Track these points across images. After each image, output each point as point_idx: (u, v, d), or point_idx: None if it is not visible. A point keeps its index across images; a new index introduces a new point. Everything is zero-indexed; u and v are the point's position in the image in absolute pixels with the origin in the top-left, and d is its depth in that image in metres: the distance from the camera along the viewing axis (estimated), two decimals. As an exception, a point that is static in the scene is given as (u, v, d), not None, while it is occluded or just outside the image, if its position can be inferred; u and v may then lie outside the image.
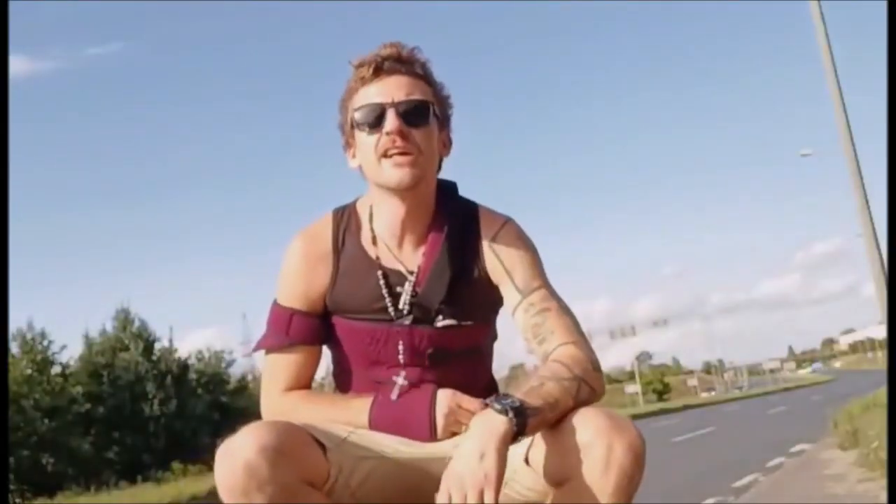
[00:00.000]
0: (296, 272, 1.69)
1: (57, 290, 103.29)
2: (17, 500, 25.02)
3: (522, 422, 1.39)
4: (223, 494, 1.39)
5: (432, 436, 1.57)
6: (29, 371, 28.40)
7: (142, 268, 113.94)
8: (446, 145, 1.71)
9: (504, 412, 1.39)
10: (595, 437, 1.37)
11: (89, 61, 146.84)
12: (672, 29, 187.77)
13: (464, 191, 1.77)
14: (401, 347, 1.64)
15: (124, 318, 33.36)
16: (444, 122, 1.68)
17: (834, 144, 16.11)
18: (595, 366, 1.55)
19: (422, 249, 1.66)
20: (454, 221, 1.68)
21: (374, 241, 1.67)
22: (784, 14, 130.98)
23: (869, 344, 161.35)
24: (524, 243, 1.68)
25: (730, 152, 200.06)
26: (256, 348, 1.74)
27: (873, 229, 14.97)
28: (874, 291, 15.26)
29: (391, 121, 1.57)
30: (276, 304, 1.71)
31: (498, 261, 1.65)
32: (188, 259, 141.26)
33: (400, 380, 1.64)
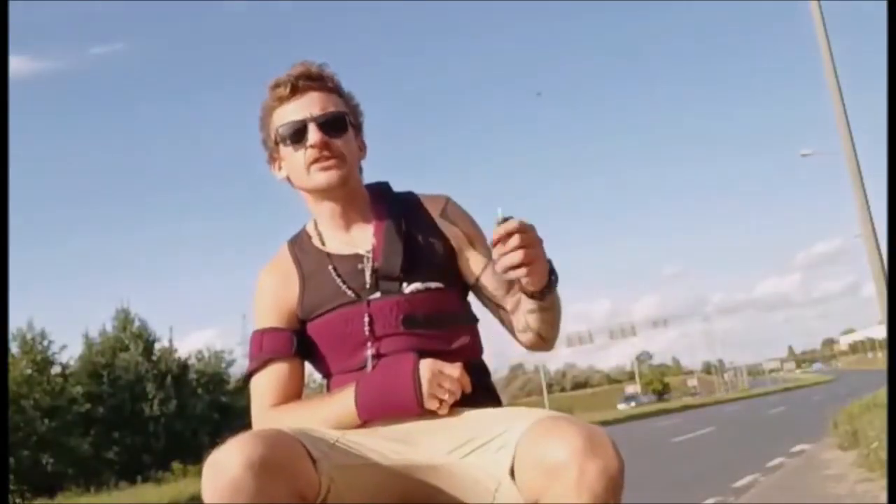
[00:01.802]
0: (263, 297, 1.78)
1: (57, 290, 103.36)
2: (17, 501, 25.03)
3: (553, 280, 1.58)
4: None
5: (419, 405, 1.56)
6: (29, 371, 28.43)
7: (142, 268, 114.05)
8: (361, 149, 1.83)
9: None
10: (569, 459, 1.34)
11: (92, 61, 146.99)
12: (672, 28, 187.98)
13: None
14: (366, 320, 1.67)
15: (124, 318, 33.39)
16: (358, 129, 1.81)
17: (834, 144, 16.14)
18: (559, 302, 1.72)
19: (371, 230, 1.75)
20: (396, 204, 1.79)
21: (323, 242, 1.78)
22: (784, 14, 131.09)
23: (869, 344, 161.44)
24: (471, 216, 1.82)
25: (729, 152, 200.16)
26: (243, 380, 1.79)
27: (873, 229, 14.99)
28: (874, 291, 15.28)
29: (313, 134, 1.71)
30: (252, 333, 1.78)
31: (457, 231, 1.77)
32: (188, 259, 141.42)
33: (369, 352, 1.66)
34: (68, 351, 31.78)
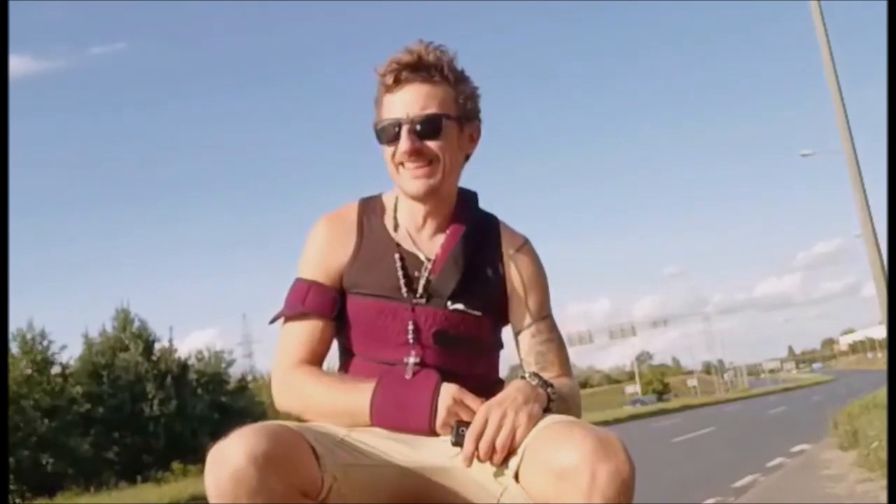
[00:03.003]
0: (317, 248, 1.74)
1: (57, 290, 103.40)
2: (17, 501, 25.02)
3: (552, 395, 1.56)
4: (212, 501, 1.37)
5: (431, 427, 1.54)
6: (29, 371, 28.42)
7: (142, 268, 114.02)
8: (472, 139, 1.77)
9: (543, 386, 1.56)
10: (579, 463, 1.33)
11: (93, 61, 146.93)
12: (673, 28, 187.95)
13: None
14: (410, 327, 1.66)
15: (124, 318, 33.39)
16: (468, 118, 1.74)
17: (834, 144, 16.14)
18: (580, 398, 1.74)
19: (440, 241, 1.73)
20: (474, 224, 1.76)
21: (396, 228, 1.74)
22: (784, 14, 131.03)
23: (869, 344, 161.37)
24: (541, 268, 1.80)
25: (730, 152, 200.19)
26: (273, 319, 1.74)
27: (873, 229, 14.98)
28: (874, 291, 15.27)
29: (405, 139, 1.66)
30: (296, 280, 1.75)
31: (518, 275, 1.75)
32: (188, 259, 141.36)
33: (411, 360, 1.64)
34: (68, 351, 31.80)
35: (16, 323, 29.25)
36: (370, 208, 1.78)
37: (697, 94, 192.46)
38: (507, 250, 1.76)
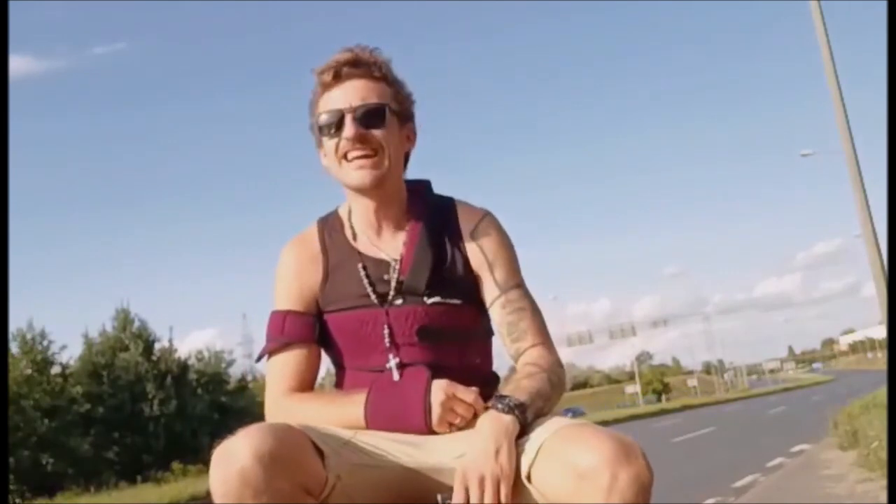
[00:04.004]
0: (287, 277, 1.75)
1: (57, 291, 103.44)
2: (17, 501, 25.03)
3: (525, 417, 1.49)
4: (217, 499, 1.37)
5: (428, 425, 1.54)
6: (29, 371, 28.45)
7: (142, 268, 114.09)
8: (410, 139, 1.77)
9: (509, 411, 1.49)
10: (600, 465, 1.34)
11: (94, 61, 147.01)
12: (673, 28, 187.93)
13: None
14: (386, 331, 1.66)
15: (124, 318, 33.43)
16: (406, 118, 1.75)
17: (834, 144, 16.14)
18: (559, 364, 1.69)
19: (402, 238, 1.72)
20: (431, 212, 1.75)
21: (355, 237, 1.75)
22: (784, 14, 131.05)
23: (869, 344, 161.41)
24: (504, 238, 1.76)
25: (730, 152, 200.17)
26: (258, 358, 1.75)
27: (873, 229, 14.97)
28: (874, 291, 15.27)
29: (349, 126, 1.66)
30: (272, 312, 1.76)
31: (480, 251, 1.72)
32: (188, 260, 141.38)
33: (392, 363, 1.65)
34: (68, 351, 31.86)
35: (16, 323, 29.35)
36: (329, 226, 1.78)
37: (697, 94, 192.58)
38: (466, 229, 1.73)
